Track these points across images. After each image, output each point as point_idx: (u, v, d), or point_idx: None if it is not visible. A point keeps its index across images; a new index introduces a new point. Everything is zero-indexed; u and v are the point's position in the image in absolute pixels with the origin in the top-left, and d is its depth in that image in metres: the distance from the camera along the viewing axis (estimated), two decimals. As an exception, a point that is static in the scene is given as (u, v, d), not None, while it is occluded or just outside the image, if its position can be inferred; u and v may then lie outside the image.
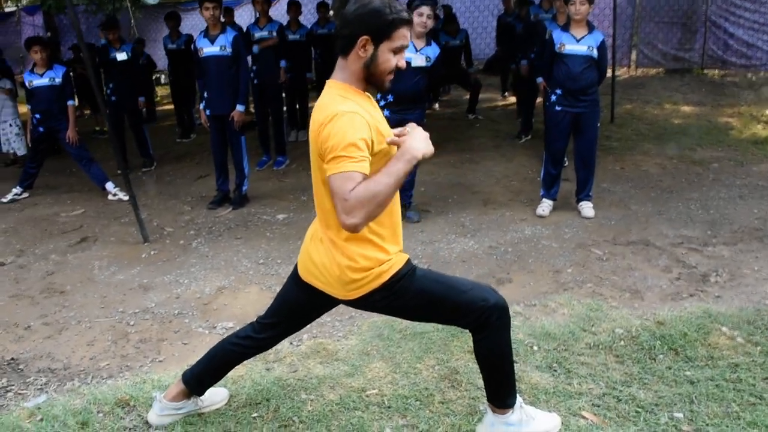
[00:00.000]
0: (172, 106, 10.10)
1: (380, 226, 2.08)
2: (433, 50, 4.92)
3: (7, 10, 18.68)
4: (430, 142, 1.98)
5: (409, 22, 1.98)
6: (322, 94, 2.04)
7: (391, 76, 2.03)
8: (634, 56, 13.55)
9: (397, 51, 1.98)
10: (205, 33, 5.47)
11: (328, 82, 2.05)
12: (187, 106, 8.87)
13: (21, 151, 7.88)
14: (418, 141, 1.95)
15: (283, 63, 6.82)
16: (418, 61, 4.83)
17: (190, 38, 8.39)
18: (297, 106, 8.01)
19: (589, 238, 4.72)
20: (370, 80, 2.02)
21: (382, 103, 4.96)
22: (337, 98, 1.95)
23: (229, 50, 5.38)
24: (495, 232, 4.91)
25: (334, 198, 1.84)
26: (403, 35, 1.97)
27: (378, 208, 1.84)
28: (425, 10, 4.74)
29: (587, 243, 4.61)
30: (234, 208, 5.68)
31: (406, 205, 5.23)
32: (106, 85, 7.12)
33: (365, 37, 1.93)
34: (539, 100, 7.21)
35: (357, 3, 1.96)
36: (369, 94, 2.10)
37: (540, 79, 6.48)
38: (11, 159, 8.08)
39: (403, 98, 4.89)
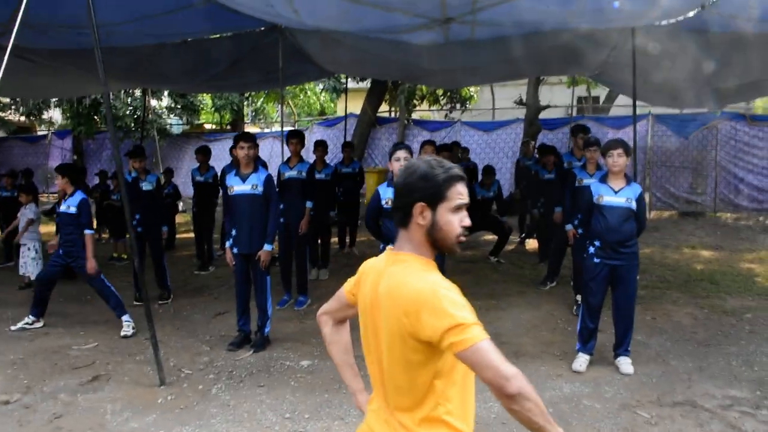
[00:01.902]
0: (190, 235, 10.12)
1: (455, 404, 1.88)
2: None
3: (39, 133, 19.37)
4: None
5: (462, 178, 1.89)
6: (392, 267, 1.92)
7: (462, 238, 1.92)
8: (648, 199, 13.71)
9: (457, 209, 1.88)
10: (237, 171, 5.50)
11: (395, 254, 1.94)
12: (208, 238, 8.84)
13: (34, 276, 7.78)
14: None
15: (309, 204, 6.81)
16: None
17: (217, 173, 8.54)
18: (319, 244, 7.98)
19: (632, 398, 4.45)
20: (437, 245, 1.91)
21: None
22: (418, 271, 1.84)
23: (260, 189, 5.38)
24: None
25: (485, 370, 1.66)
26: (458, 192, 1.88)
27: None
28: (401, 154, 4.76)
29: (631, 404, 4.35)
30: (255, 351, 5.45)
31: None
32: (131, 216, 7.10)
33: (420, 204, 1.85)
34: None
35: (405, 172, 1.90)
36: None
37: (569, 227, 6.50)
38: (25, 283, 7.95)
39: None
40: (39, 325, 6.28)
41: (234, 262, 5.50)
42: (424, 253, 1.91)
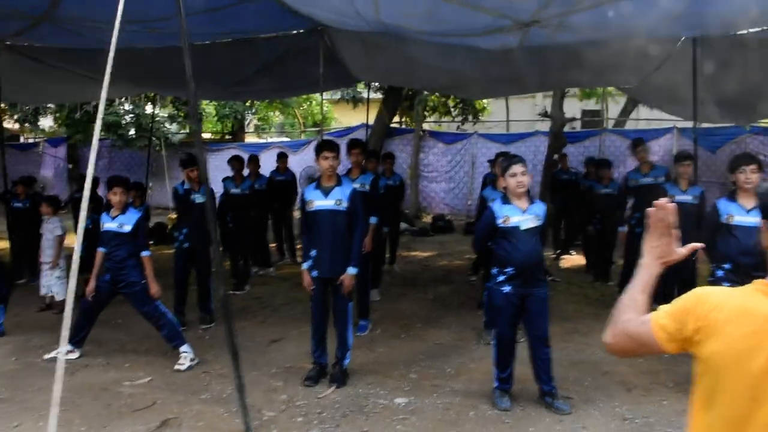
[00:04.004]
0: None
1: None
2: (540, 206, 4.48)
3: (30, 140, 18.45)
4: None
5: None
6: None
7: None
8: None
9: None
10: (318, 184, 4.88)
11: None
12: (244, 255, 8.14)
13: (60, 296, 7.06)
14: None
15: (373, 219, 6.17)
16: (529, 222, 4.36)
17: (253, 184, 7.90)
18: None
19: None
20: None
21: (501, 278, 4.38)
22: None
23: (345, 205, 4.76)
24: (664, 426, 4.15)
25: None
26: None
27: None
28: (518, 168, 4.36)
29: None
30: (338, 387, 4.82)
31: (550, 394, 4.46)
32: (178, 230, 6.44)
33: None
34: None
35: None
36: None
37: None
38: (46, 304, 7.21)
39: (525, 269, 4.34)
40: (75, 356, 5.55)
41: (313, 287, 4.86)
42: None
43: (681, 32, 6.84)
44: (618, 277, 7.69)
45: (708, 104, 9.26)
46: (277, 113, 21.55)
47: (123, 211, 5.32)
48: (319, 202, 4.79)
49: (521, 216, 4.35)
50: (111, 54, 3.16)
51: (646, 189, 6.83)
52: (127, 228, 5.26)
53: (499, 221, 4.38)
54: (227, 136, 19.51)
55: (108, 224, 5.35)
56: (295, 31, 8.12)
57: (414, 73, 9.35)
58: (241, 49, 8.48)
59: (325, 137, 17.28)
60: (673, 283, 6.09)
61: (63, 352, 3.09)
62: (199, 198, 6.30)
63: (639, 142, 7.67)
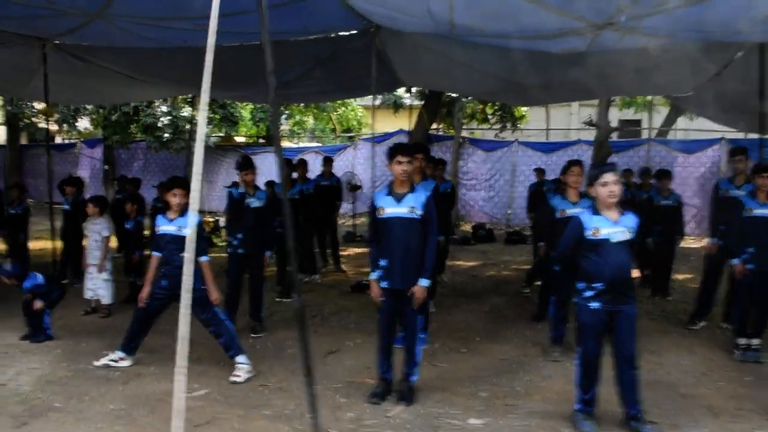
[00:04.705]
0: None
1: None
2: (631, 218, 4.17)
3: (67, 141, 18.47)
4: None
5: None
6: None
7: None
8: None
9: None
10: (389, 190, 4.62)
11: None
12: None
13: (107, 300, 6.91)
14: None
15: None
16: (621, 235, 4.07)
17: (303, 189, 7.67)
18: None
19: None
20: None
21: (589, 293, 4.09)
22: None
23: (419, 213, 4.50)
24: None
25: None
26: None
27: None
28: (610, 177, 4.08)
29: None
30: (406, 405, 4.54)
31: (636, 418, 4.15)
32: (232, 235, 6.21)
33: None
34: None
35: None
36: None
37: (736, 261, 5.75)
38: (92, 307, 7.05)
39: (615, 284, 4.06)
40: (126, 363, 5.35)
41: (382, 299, 4.60)
42: None
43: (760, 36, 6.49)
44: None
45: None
46: (311, 118, 21.37)
47: (182, 213, 5.09)
48: (391, 209, 4.53)
49: (612, 228, 4.06)
50: (209, 55, 2.95)
51: (733, 202, 6.27)
52: (187, 231, 5.03)
53: (588, 233, 4.09)
54: (260, 140, 19.38)
55: (165, 227, 5.12)
56: (347, 32, 7.92)
57: (464, 78, 9.11)
58: (289, 51, 8.30)
59: (362, 142, 17.15)
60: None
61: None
62: (254, 202, 6.09)
63: (740, 150, 7.03)
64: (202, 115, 3.13)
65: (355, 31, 7.81)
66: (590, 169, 4.39)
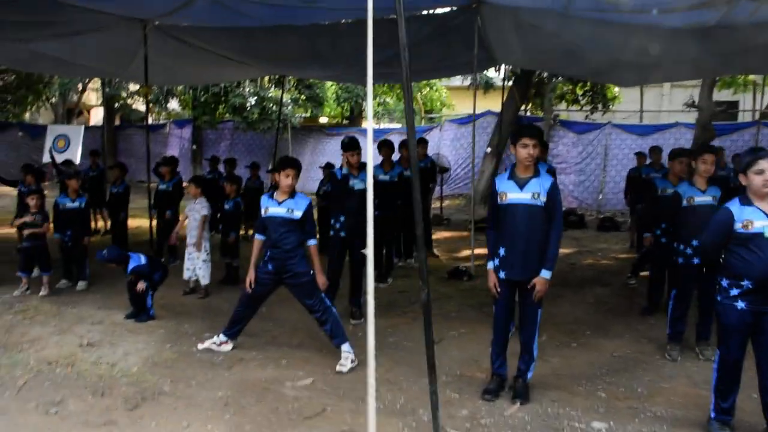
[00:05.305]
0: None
1: None
2: None
3: (158, 122, 18.95)
4: None
5: None
6: None
7: None
8: None
9: None
10: (511, 173, 4.32)
11: None
12: (389, 245, 7.72)
13: (206, 280, 6.93)
14: None
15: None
16: None
17: (402, 171, 7.41)
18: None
19: None
20: None
21: (735, 291, 3.70)
22: None
23: (542, 200, 4.18)
24: None
25: None
26: None
27: None
28: (766, 164, 3.69)
29: None
30: (522, 403, 4.28)
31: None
32: (335, 218, 6.05)
33: None
34: None
35: None
36: None
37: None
38: (191, 288, 7.09)
39: (766, 283, 3.64)
40: (227, 348, 5.29)
41: (499, 289, 4.33)
42: None
43: None
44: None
45: None
46: (394, 98, 21.10)
47: (291, 195, 4.93)
48: (514, 194, 4.22)
49: (767, 220, 3.64)
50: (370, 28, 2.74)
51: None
52: (298, 214, 4.87)
53: (738, 226, 3.68)
54: (344, 121, 19.30)
55: (274, 209, 4.94)
56: (448, 9, 7.62)
57: (566, 56, 8.67)
58: (387, 29, 8.08)
59: (448, 124, 16.79)
60: None
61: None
62: (358, 184, 5.89)
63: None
64: (368, 95, 2.93)
65: (455, 8, 7.53)
66: (744, 154, 3.93)
